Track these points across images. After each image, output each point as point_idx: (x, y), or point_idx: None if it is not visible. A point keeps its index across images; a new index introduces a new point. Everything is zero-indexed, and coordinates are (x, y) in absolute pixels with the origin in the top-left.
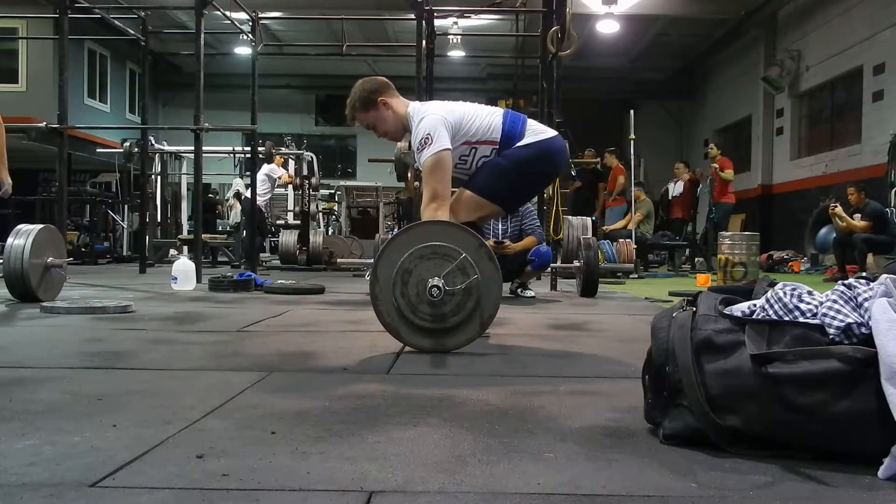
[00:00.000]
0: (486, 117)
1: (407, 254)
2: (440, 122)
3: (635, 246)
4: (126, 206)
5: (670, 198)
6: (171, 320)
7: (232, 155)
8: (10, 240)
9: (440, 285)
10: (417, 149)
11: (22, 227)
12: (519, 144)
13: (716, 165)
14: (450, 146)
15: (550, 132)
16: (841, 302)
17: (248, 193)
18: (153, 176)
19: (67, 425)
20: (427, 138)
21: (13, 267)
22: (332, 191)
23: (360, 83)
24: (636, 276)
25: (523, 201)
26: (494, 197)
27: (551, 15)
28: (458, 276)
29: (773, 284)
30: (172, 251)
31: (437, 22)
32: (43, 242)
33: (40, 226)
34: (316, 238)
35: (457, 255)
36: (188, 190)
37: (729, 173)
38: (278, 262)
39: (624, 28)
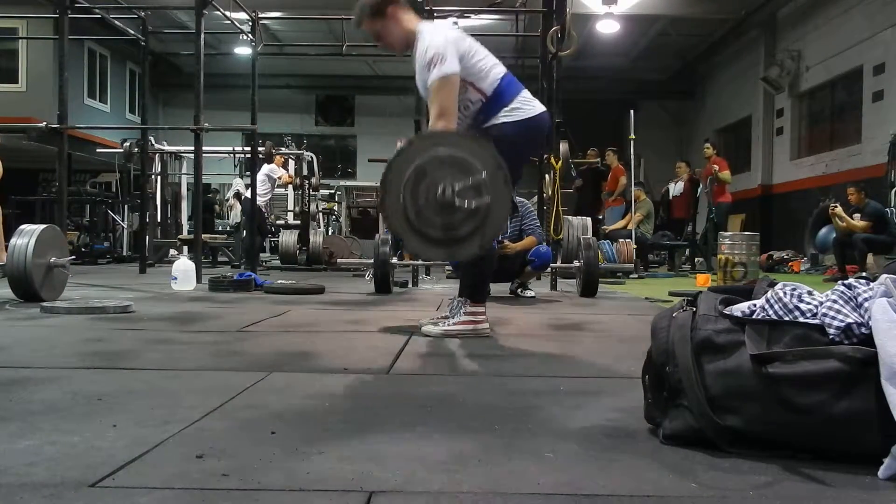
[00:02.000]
0: (488, 63)
1: (426, 156)
2: (451, 46)
3: (635, 246)
4: (126, 206)
5: (671, 198)
6: (171, 320)
7: (232, 155)
8: (13, 239)
9: (455, 189)
10: (425, 67)
11: (25, 226)
12: (504, 116)
13: (715, 167)
14: (458, 69)
15: (538, 107)
16: (841, 302)
17: (248, 193)
18: (153, 176)
19: (67, 425)
20: (438, 58)
21: (16, 266)
22: (332, 191)
23: None
24: (636, 276)
25: (514, 178)
26: None
27: (551, 15)
28: (472, 193)
29: (773, 284)
30: (172, 251)
31: (437, 22)
32: (46, 242)
33: (43, 226)
34: (316, 238)
35: (476, 171)
36: (188, 190)
37: (726, 174)
38: (278, 262)
39: (624, 28)
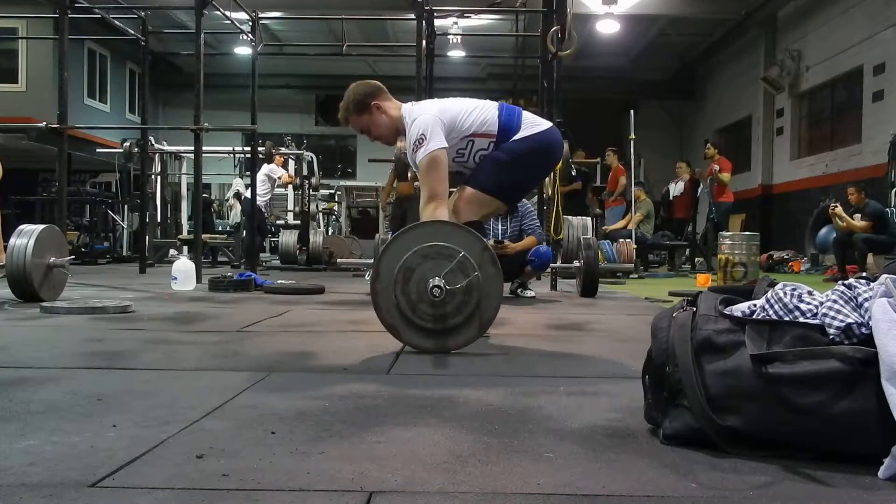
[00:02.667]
0: (481, 111)
1: (410, 252)
2: (434, 121)
3: (635, 246)
4: (126, 206)
5: (671, 198)
6: (171, 320)
7: (232, 155)
8: (12, 239)
9: (441, 285)
10: (413, 149)
11: (25, 227)
12: (516, 137)
13: (716, 166)
14: (445, 144)
15: (546, 123)
16: (841, 302)
17: (248, 193)
18: (153, 176)
19: (67, 425)
20: (422, 138)
21: (16, 266)
22: (332, 191)
23: (353, 87)
24: (636, 276)
25: (524, 194)
26: (496, 192)
27: (551, 15)
28: (459, 276)
29: (773, 284)
30: (172, 251)
31: (437, 22)
32: (45, 242)
33: (43, 226)
34: (316, 238)
35: (458, 254)
36: (188, 190)
37: (726, 175)
38: (278, 262)
39: (624, 28)
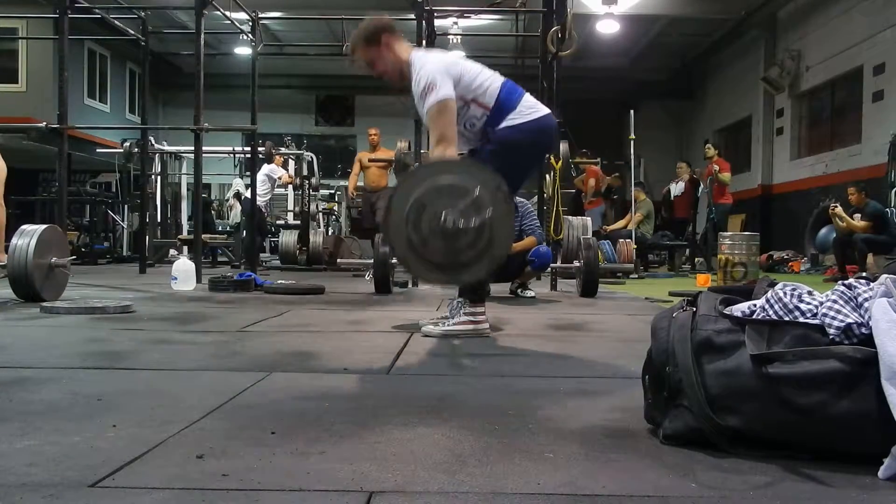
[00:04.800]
0: (486, 78)
1: (424, 187)
2: (443, 71)
3: (635, 246)
4: (126, 206)
5: (672, 198)
6: (171, 320)
7: (232, 155)
8: (14, 240)
9: (453, 220)
10: (420, 96)
11: (26, 227)
12: (508, 122)
13: (716, 167)
14: (453, 94)
15: (542, 110)
16: (841, 302)
17: (248, 193)
18: (153, 176)
19: (67, 425)
20: (431, 85)
21: (17, 267)
22: (332, 191)
23: (367, 20)
24: (636, 276)
25: (520, 183)
26: None
27: (551, 15)
28: (472, 213)
29: (773, 284)
30: (172, 251)
31: (437, 22)
32: (47, 242)
33: (44, 226)
34: (316, 238)
35: (473, 190)
36: (188, 190)
37: (726, 175)
38: (278, 262)
39: (624, 28)
